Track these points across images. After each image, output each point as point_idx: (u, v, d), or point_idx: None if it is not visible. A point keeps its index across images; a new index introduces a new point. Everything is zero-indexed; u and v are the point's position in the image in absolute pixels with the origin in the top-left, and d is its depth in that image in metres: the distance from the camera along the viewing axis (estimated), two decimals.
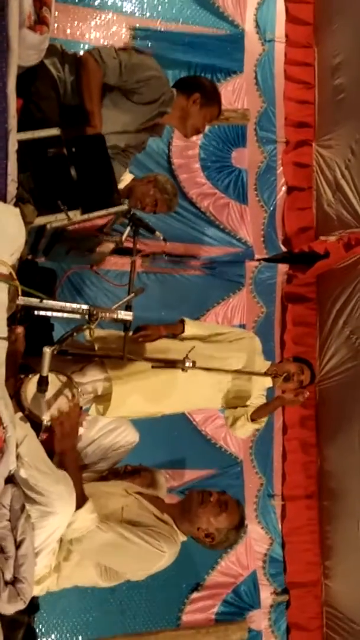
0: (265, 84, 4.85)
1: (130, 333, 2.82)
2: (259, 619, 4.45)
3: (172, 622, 4.31)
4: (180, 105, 2.91)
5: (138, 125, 2.90)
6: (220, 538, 2.44)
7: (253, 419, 3.20)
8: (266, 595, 4.54)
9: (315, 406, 4.77)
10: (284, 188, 4.92)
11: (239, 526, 2.49)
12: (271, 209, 4.89)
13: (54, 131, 2.25)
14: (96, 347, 2.83)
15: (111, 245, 2.88)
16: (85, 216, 2.26)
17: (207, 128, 3.12)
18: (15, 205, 2.03)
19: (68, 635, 4.07)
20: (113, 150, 2.74)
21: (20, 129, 2.13)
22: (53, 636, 4.03)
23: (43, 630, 3.97)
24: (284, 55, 4.92)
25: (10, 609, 1.91)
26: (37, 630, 3.76)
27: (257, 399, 3.27)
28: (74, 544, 2.18)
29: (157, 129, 3.08)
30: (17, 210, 1.99)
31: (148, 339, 2.97)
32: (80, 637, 4.08)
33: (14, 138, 2.05)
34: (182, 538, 2.43)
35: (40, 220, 2.20)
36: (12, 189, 2.01)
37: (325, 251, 4.39)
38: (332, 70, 4.69)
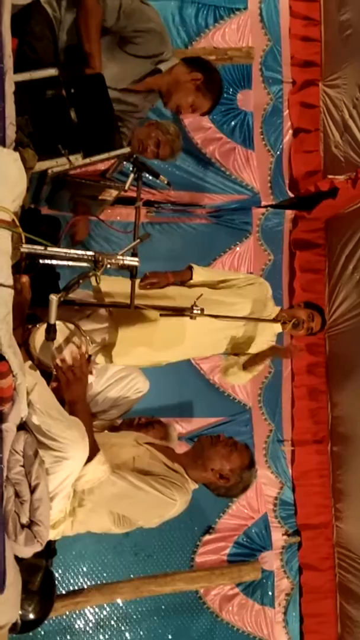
0: (270, 21, 4.65)
1: (138, 281, 2.79)
2: (271, 560, 4.57)
3: (185, 563, 4.43)
4: (178, 73, 2.78)
5: (128, 83, 2.77)
6: (235, 479, 2.47)
7: (245, 367, 3.19)
8: (278, 536, 4.64)
9: (324, 353, 4.76)
10: (290, 131, 4.78)
11: (251, 465, 2.52)
12: (278, 153, 4.76)
13: (52, 72, 2.16)
14: (103, 292, 2.81)
15: (114, 193, 2.82)
16: (87, 160, 2.20)
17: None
18: (15, 149, 1.97)
19: (85, 578, 4.20)
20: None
21: (14, 70, 2.05)
22: (70, 579, 4.16)
23: (60, 572, 4.09)
24: None
25: (27, 552, 1.95)
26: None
27: (266, 345, 3.26)
28: (86, 495, 2.22)
29: (151, 97, 2.94)
30: (17, 154, 1.93)
31: (156, 286, 2.93)
32: (97, 580, 4.21)
33: (11, 79, 1.98)
34: (194, 486, 2.47)
35: (41, 165, 2.14)
36: (10, 132, 1.95)
37: (330, 187, 4.29)
38: (339, 5, 4.48)
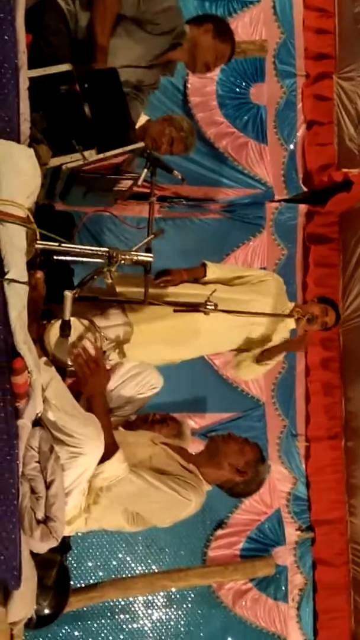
0: (284, 14, 4.62)
1: (152, 277, 2.78)
2: (284, 555, 4.56)
3: (197, 558, 4.44)
4: (192, 36, 2.77)
5: (151, 59, 2.77)
6: (251, 472, 2.48)
7: (259, 360, 3.18)
8: (291, 532, 4.63)
9: (339, 347, 4.74)
10: (304, 125, 4.74)
11: (263, 459, 2.54)
12: (291, 147, 4.73)
13: (66, 67, 2.16)
14: (117, 290, 2.81)
15: (129, 183, 2.81)
16: (101, 155, 2.19)
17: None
18: (29, 145, 1.97)
19: (99, 571, 4.22)
20: (125, 86, 2.63)
21: (30, 66, 2.05)
22: (85, 574, 4.18)
23: (75, 566, 4.11)
24: None
25: (43, 547, 1.96)
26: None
27: (279, 340, 3.24)
28: (103, 492, 2.22)
29: (169, 67, 2.94)
30: (32, 151, 1.93)
31: (170, 283, 2.93)
32: (112, 575, 4.22)
33: (25, 75, 1.97)
34: (208, 488, 2.47)
35: (55, 161, 2.14)
36: (25, 128, 1.95)
37: (344, 178, 4.25)
38: None
